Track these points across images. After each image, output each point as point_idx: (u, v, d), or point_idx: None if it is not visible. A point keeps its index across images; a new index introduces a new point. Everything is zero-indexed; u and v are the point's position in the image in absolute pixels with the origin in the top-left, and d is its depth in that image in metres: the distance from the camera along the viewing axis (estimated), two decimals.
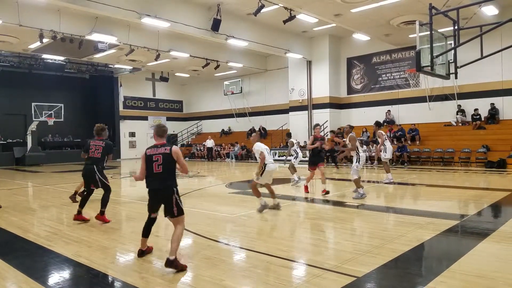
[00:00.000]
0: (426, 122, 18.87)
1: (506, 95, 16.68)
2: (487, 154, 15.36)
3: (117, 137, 27.47)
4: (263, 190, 7.23)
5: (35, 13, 14.28)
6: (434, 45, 7.68)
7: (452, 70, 8.65)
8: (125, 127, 28.29)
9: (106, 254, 4.76)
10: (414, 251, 4.60)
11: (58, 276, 4.07)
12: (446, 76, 8.88)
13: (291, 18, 14.81)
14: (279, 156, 22.02)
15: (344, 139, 8.79)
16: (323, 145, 9.50)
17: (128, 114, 28.57)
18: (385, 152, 11.14)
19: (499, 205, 7.67)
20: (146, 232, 4.50)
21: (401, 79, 19.85)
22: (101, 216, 6.36)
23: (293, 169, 11.44)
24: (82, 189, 7.88)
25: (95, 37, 16.13)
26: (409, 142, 17.91)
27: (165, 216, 4.28)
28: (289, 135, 12.29)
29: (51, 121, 24.32)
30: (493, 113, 16.95)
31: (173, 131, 30.87)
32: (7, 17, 13.74)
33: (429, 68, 7.83)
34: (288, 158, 11.78)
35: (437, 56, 7.91)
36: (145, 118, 29.86)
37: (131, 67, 24.49)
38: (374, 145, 13.86)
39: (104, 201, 6.39)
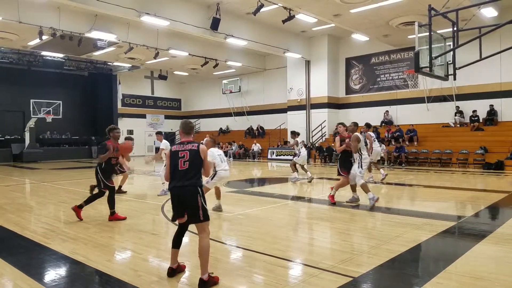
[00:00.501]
0: (424, 123, 18.92)
1: (505, 97, 16.74)
2: (485, 156, 15.41)
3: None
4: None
5: (35, 10, 14.26)
6: (433, 46, 7.69)
7: (450, 71, 8.66)
8: (124, 124, 28.22)
9: (103, 251, 4.75)
10: (410, 252, 4.61)
11: (55, 273, 4.07)
12: (445, 77, 8.90)
13: (290, 17, 14.81)
14: (276, 156, 22.05)
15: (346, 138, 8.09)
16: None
17: (126, 111, 28.56)
18: (371, 153, 11.17)
19: (496, 206, 7.69)
20: (175, 242, 3.93)
21: (400, 80, 19.88)
22: (113, 217, 6.35)
23: (294, 167, 11.67)
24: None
25: (94, 34, 16.10)
26: (407, 142, 17.94)
27: (189, 223, 3.89)
28: (297, 133, 12.21)
29: (49, 118, 24.25)
30: (492, 115, 17.00)
31: (171, 129, 30.85)
32: (7, 14, 13.71)
33: (428, 69, 7.84)
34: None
35: (436, 57, 7.92)
36: (143, 116, 29.85)
37: (130, 65, 24.49)
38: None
39: (110, 202, 6.36)
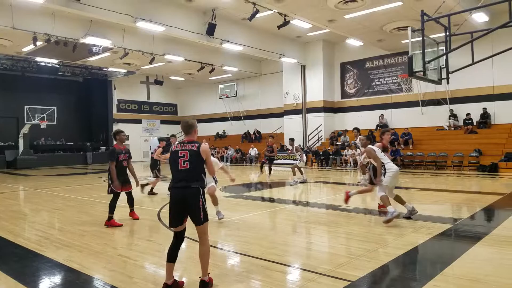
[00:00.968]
0: (419, 126, 19.04)
1: (498, 100, 16.90)
2: (479, 158, 15.51)
3: (111, 140, 27.30)
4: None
5: (29, 16, 14.21)
6: (426, 50, 7.76)
7: (444, 75, 8.74)
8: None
9: (98, 258, 4.71)
10: (407, 255, 4.62)
11: (49, 281, 4.02)
12: (438, 81, 8.97)
13: (286, 23, 14.90)
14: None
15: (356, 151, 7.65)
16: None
17: (122, 117, 28.45)
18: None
19: (491, 208, 7.73)
20: (170, 255, 3.67)
21: (394, 84, 20.02)
22: (109, 222, 6.43)
23: (295, 170, 12.08)
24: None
25: (89, 40, 16.07)
26: (402, 146, 18.03)
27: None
28: (293, 139, 13.37)
29: (43, 124, 24.07)
30: (485, 118, 17.15)
31: (167, 134, 30.72)
32: (0, 19, 13.66)
33: (422, 73, 7.91)
34: (295, 161, 12.64)
35: (429, 62, 7.99)
36: (139, 122, 29.76)
37: (126, 70, 24.43)
38: (358, 150, 14.16)
39: (111, 207, 6.46)
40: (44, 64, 22.24)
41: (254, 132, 26.09)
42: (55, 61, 21.71)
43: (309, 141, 22.00)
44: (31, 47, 16.53)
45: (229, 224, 6.53)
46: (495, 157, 15.18)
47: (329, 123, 22.00)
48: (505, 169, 14.58)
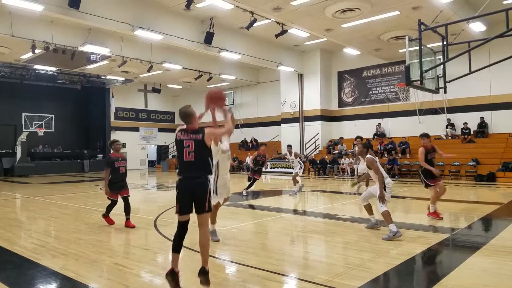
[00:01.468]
0: (416, 135, 18.93)
1: (495, 109, 17.00)
2: (477, 168, 15.54)
3: (108, 148, 27.21)
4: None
5: (28, 24, 14.26)
6: (423, 60, 7.81)
7: (441, 84, 8.80)
8: (117, 138, 28.00)
9: (94, 267, 4.66)
10: (405, 265, 4.59)
11: None
12: (436, 90, 9.02)
13: (283, 32, 15.02)
14: (270, 168, 22.02)
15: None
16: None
17: (119, 125, 28.41)
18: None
19: (489, 218, 7.73)
20: (177, 245, 3.70)
21: (391, 93, 20.13)
22: (104, 218, 7.06)
23: (296, 179, 11.78)
24: None
25: (88, 48, 16.13)
26: (399, 155, 18.06)
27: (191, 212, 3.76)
28: (291, 146, 12.90)
29: (41, 132, 24.03)
30: (482, 127, 17.23)
31: (165, 142, 30.74)
32: None
33: (419, 82, 7.95)
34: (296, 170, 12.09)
35: (426, 71, 8.04)
36: (136, 129, 29.72)
37: (124, 78, 24.48)
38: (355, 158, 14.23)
39: (108, 208, 7.02)
40: (42, 71, 22.26)
41: (251, 140, 26.10)
42: (54, 68, 21.73)
43: (306, 149, 22.01)
44: (29, 54, 16.57)
45: (225, 233, 6.49)
46: (493, 167, 15.22)
47: (326, 131, 22.04)
48: (502, 178, 14.61)
